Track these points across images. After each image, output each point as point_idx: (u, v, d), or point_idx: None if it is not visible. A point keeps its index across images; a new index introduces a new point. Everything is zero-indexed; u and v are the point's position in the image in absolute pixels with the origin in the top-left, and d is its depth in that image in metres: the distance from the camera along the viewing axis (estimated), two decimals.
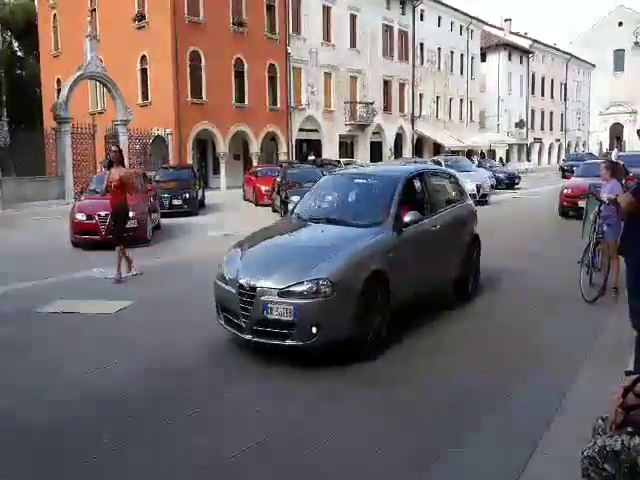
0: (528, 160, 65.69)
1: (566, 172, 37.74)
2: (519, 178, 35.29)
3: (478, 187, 23.73)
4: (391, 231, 6.66)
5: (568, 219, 17.45)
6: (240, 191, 28.74)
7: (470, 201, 9.24)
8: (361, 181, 8.14)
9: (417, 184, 7.97)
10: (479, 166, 35.25)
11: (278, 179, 22.30)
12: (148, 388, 5.43)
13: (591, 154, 53.64)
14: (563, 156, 67.11)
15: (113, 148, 11.40)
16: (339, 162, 37.32)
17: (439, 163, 25.60)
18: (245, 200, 27.12)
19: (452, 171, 10.71)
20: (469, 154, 49.35)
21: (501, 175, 34.15)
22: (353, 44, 44.01)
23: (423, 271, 7.20)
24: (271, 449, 4.24)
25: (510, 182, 33.94)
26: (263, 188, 24.49)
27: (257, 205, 24.44)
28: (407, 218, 6.75)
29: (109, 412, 4.90)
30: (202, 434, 4.46)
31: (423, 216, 7.33)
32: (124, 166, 11.26)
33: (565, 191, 18.15)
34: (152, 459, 4.14)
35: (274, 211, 21.08)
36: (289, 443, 4.34)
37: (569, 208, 17.78)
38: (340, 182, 8.57)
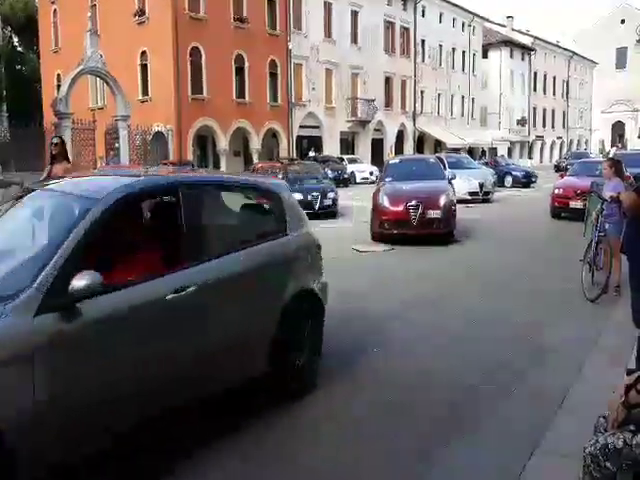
0: (530, 158, 65.67)
1: (560, 170, 36.85)
2: (536, 177, 34.08)
3: (481, 185, 23.74)
4: (32, 315, 3.16)
5: (560, 220, 16.90)
6: None
7: (306, 230, 5.45)
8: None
9: (157, 206, 4.89)
10: (495, 164, 34.98)
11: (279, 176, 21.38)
12: None
13: (583, 153, 51.89)
14: (564, 154, 66.84)
15: (54, 140, 9.90)
16: (342, 160, 37.34)
17: (441, 161, 25.54)
18: None
19: (267, 182, 5.55)
20: (470, 151, 49.33)
21: (518, 173, 33.63)
22: (354, 40, 44.01)
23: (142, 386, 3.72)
24: None
25: (527, 181, 33.01)
26: None
27: None
28: (79, 283, 3.24)
29: None
30: None
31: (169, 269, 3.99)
32: (68, 161, 10.06)
33: (556, 191, 17.09)
34: None
35: None
36: None
37: (561, 209, 16.87)
38: None
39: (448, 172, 16.03)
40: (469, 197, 22.82)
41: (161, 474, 3.82)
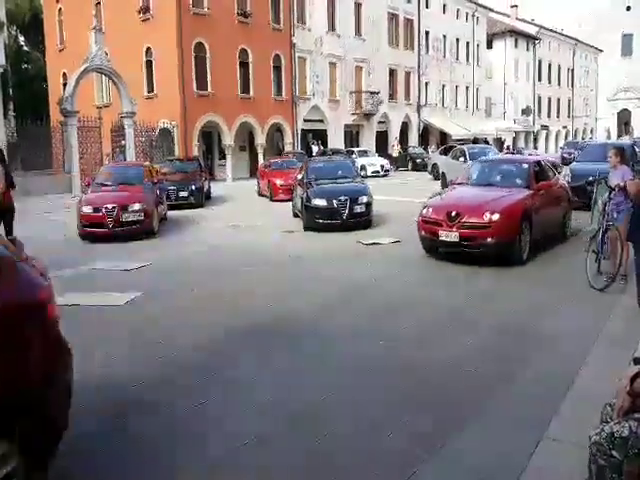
0: (535, 147, 65.29)
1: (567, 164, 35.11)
2: (561, 166, 32.72)
3: None
4: None
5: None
6: (247, 182, 28.63)
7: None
8: None
9: None
10: (519, 153, 34.18)
11: (299, 176, 17.40)
12: (156, 379, 5.46)
13: (573, 142, 49.83)
14: (561, 145, 65.87)
15: None
16: (352, 152, 36.68)
17: (463, 153, 24.97)
18: (260, 196, 24.78)
19: None
20: (475, 142, 49.09)
21: None
22: (358, 33, 43.80)
23: None
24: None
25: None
26: (278, 182, 22.53)
27: (272, 201, 22.39)
28: None
29: (122, 403, 4.93)
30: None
31: None
32: (5, 163, 10.19)
33: (424, 212, 10.71)
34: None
35: (295, 216, 16.91)
36: None
37: (430, 241, 10.60)
38: None
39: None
40: None
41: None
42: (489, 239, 9.69)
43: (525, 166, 11.78)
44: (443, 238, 10.10)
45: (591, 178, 15.63)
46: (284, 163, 26.00)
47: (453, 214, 10.06)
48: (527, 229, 10.09)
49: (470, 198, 10.83)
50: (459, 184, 12.25)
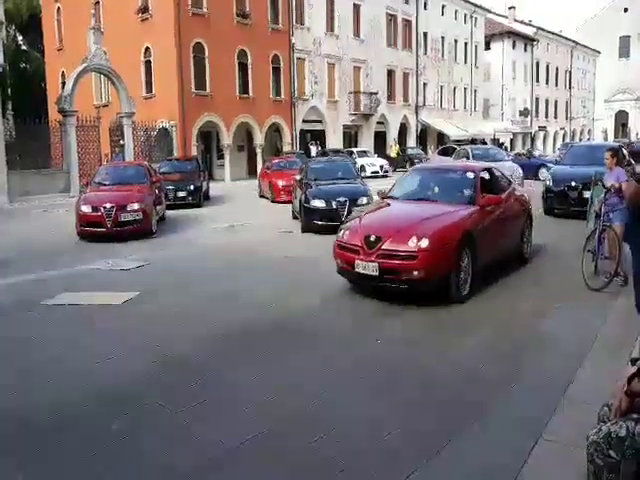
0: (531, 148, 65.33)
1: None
2: (518, 177, 32.43)
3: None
4: None
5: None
6: (245, 183, 28.63)
7: None
8: None
9: None
10: (530, 156, 33.29)
11: (298, 177, 17.20)
12: (152, 379, 5.47)
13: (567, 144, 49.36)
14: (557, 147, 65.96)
15: None
16: (352, 153, 36.52)
17: (467, 154, 24.26)
18: (261, 197, 24.33)
19: None
20: (473, 142, 49.13)
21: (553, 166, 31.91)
22: (357, 34, 43.85)
23: None
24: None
25: None
26: (280, 183, 22.00)
27: (274, 202, 21.97)
28: None
29: (116, 404, 4.95)
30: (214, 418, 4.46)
31: None
32: None
33: (340, 234, 8.48)
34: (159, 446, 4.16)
35: (294, 217, 16.55)
36: None
37: (347, 273, 8.39)
38: None
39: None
40: None
41: None
42: (415, 272, 7.41)
43: (470, 176, 9.32)
44: (360, 270, 7.75)
45: (573, 183, 14.86)
46: (286, 164, 25.33)
47: (372, 238, 7.75)
48: (468, 256, 7.93)
49: (396, 218, 8.62)
50: (389, 197, 9.68)
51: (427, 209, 8.58)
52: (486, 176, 9.90)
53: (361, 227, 8.16)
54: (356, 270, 7.81)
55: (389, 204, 9.37)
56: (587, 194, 12.41)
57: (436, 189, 9.50)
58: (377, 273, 7.56)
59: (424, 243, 7.45)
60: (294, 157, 28.52)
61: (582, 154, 16.28)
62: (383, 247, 7.60)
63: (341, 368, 5.62)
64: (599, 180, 8.87)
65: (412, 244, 7.48)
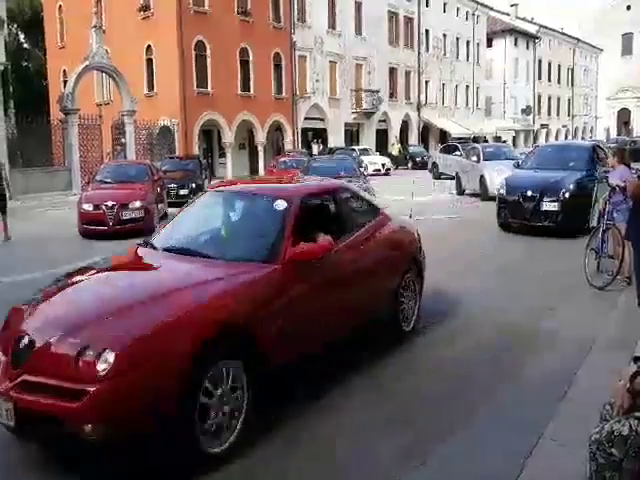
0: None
1: None
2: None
3: None
4: None
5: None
6: None
7: None
8: None
9: None
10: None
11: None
12: None
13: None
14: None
15: None
16: (354, 151, 36.31)
17: (477, 153, 21.39)
18: None
19: None
20: (475, 141, 49.09)
21: None
22: (358, 31, 43.83)
23: None
24: None
25: None
26: None
27: None
28: None
29: None
30: None
31: None
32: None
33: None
34: None
35: None
36: None
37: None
38: None
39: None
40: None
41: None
42: (86, 427, 3.37)
43: (279, 207, 5.04)
44: None
45: (529, 193, 12.21)
46: (292, 162, 24.70)
47: (21, 346, 3.78)
48: (229, 382, 3.97)
49: (78, 300, 4.38)
50: (149, 245, 5.51)
51: (164, 276, 4.70)
52: (328, 204, 5.81)
53: (13, 323, 4.16)
54: None
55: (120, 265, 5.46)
56: (548, 206, 11.90)
57: (222, 231, 5.62)
58: (12, 423, 3.57)
59: (103, 365, 3.44)
60: (300, 155, 28.36)
61: (548, 156, 14.15)
62: (29, 366, 3.63)
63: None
64: (604, 178, 8.82)
65: (81, 366, 3.48)
